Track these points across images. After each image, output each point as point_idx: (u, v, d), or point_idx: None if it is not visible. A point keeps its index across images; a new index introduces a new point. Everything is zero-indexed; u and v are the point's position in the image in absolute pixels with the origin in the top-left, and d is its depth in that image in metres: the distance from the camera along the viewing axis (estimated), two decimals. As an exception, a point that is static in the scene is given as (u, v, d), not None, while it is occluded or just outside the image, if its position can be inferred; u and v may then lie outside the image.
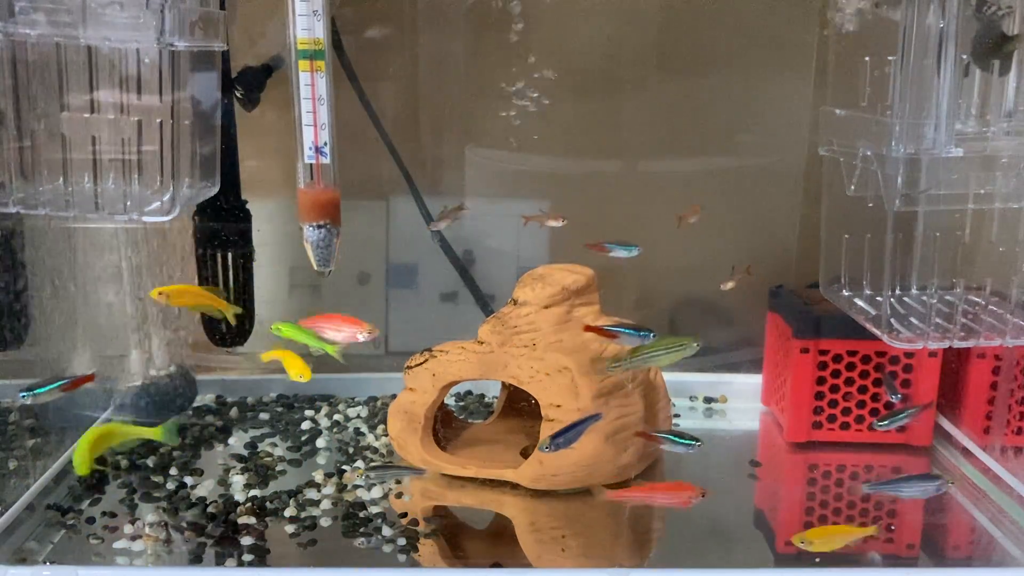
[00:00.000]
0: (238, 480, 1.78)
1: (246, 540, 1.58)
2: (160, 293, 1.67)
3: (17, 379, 1.70)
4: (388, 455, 1.90)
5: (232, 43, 1.83)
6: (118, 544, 1.58)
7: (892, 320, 1.73)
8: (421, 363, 1.80)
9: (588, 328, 1.68)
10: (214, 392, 2.20)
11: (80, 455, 1.71)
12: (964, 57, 1.58)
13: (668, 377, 1.90)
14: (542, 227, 1.96)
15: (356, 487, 1.76)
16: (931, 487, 1.50)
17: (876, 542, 1.63)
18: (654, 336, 1.56)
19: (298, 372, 1.63)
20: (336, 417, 2.09)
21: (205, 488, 1.75)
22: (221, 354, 2.21)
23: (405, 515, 1.66)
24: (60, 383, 1.57)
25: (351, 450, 1.92)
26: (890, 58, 1.61)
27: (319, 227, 1.53)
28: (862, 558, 1.59)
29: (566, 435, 1.52)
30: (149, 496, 1.73)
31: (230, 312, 1.77)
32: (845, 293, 1.89)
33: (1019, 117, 1.61)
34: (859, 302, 1.87)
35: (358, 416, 2.10)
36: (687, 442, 1.55)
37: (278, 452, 1.92)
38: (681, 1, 2.22)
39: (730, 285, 1.81)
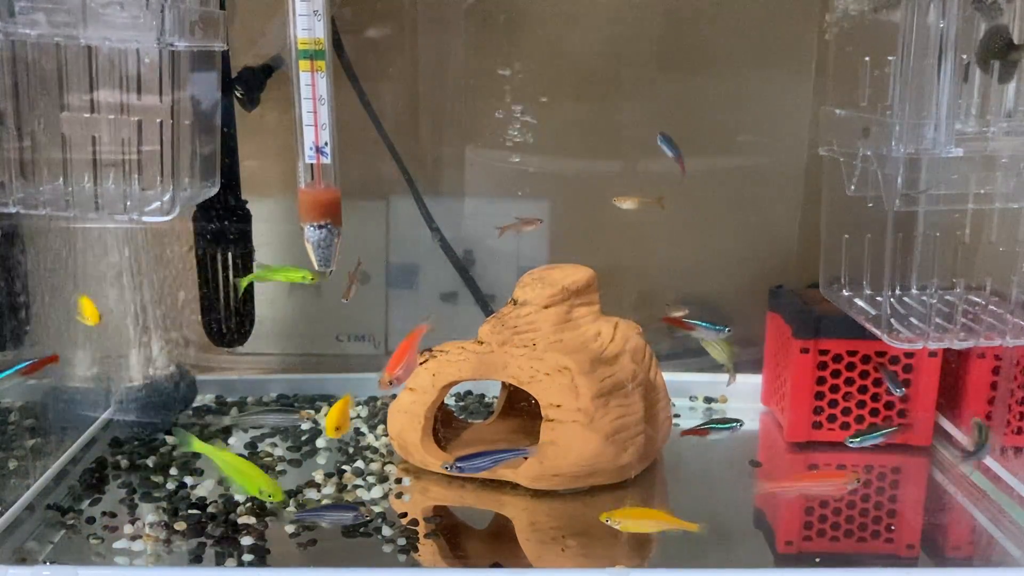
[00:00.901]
0: (238, 480, 1.79)
1: (246, 540, 1.58)
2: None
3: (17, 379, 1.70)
4: (388, 455, 1.90)
5: (232, 43, 1.83)
6: (118, 544, 1.58)
7: (892, 320, 1.73)
8: (421, 363, 1.80)
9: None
10: (214, 392, 2.20)
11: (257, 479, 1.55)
12: (964, 57, 1.58)
13: (668, 377, 1.91)
14: (518, 234, 1.96)
15: (356, 487, 1.76)
16: None
17: (872, 543, 1.63)
18: (729, 331, 1.72)
19: (335, 426, 1.60)
20: (336, 417, 2.09)
21: (205, 488, 1.75)
22: (221, 354, 2.21)
23: (405, 515, 1.66)
24: (19, 366, 1.55)
25: (351, 450, 1.92)
26: (890, 58, 1.61)
27: (320, 227, 1.53)
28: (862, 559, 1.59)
29: (473, 461, 1.58)
30: (149, 496, 1.73)
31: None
32: (845, 293, 1.89)
33: (1019, 117, 1.61)
34: (859, 302, 1.87)
35: (358, 416, 2.10)
36: (730, 425, 1.71)
37: (278, 452, 1.92)
38: (681, 1, 2.22)
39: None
